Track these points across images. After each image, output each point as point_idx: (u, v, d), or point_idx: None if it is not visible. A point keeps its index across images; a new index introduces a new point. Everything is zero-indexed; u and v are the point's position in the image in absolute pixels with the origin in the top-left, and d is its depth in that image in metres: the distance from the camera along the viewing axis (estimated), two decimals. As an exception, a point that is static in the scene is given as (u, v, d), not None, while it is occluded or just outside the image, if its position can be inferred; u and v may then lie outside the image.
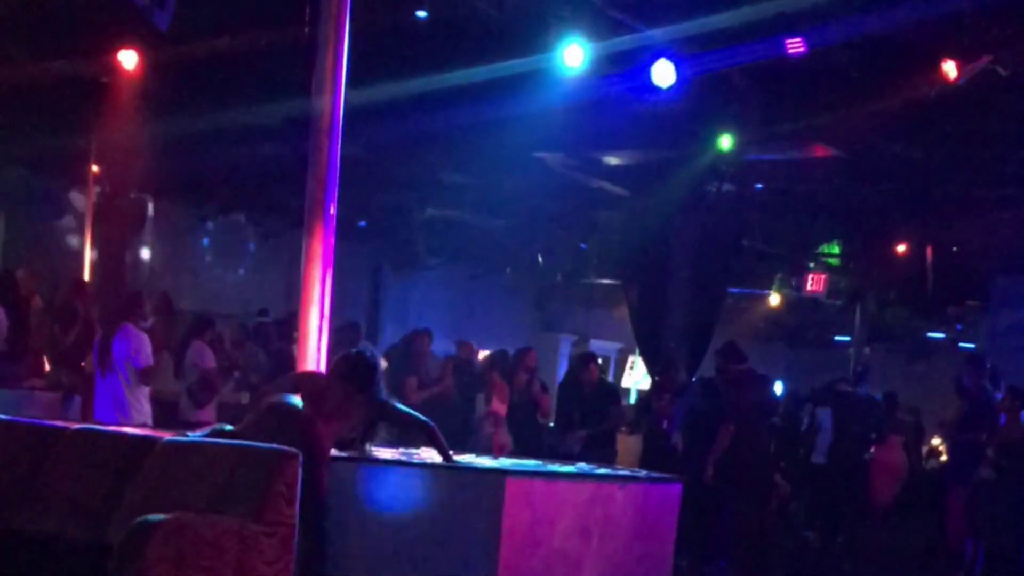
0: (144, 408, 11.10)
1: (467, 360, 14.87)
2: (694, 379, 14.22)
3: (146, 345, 11.13)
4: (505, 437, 13.25)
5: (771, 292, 23.84)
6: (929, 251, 19.52)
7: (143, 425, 9.88)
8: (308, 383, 7.46)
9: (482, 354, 18.50)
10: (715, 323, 16.10)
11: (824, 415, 15.34)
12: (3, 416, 7.13)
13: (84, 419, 10.82)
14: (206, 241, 21.25)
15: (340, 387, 7.33)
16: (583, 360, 13.96)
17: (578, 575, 8.13)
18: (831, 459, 14.79)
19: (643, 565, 8.77)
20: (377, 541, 7.78)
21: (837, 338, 27.36)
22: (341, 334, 11.11)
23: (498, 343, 16.41)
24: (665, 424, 13.59)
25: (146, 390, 11.15)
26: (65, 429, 6.78)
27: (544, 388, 14.19)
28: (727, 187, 15.84)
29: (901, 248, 19.60)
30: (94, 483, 6.32)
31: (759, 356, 19.55)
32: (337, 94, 8.60)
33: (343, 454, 7.51)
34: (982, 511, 12.64)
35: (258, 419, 7.20)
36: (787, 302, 24.25)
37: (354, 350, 7.82)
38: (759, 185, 16.32)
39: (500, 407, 13.33)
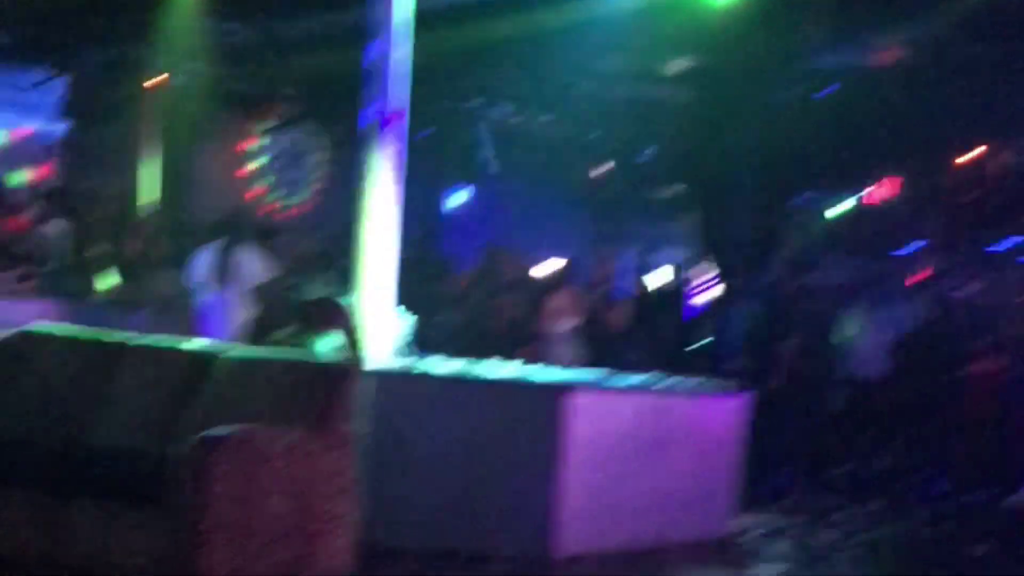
0: None
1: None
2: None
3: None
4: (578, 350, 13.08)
5: (836, 201, 23.55)
6: (997, 160, 19.19)
7: None
8: None
9: (544, 264, 18.39)
10: (780, 232, 15.92)
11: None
12: (71, 329, 7.15)
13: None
14: (270, 153, 21.19)
15: None
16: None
17: (641, 488, 8.09)
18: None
19: (709, 476, 8.71)
20: (437, 459, 7.72)
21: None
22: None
23: (559, 254, 16.30)
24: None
25: None
26: (130, 343, 6.80)
27: (614, 299, 14.08)
28: (793, 93, 15.62)
29: (968, 157, 19.28)
30: (159, 397, 6.36)
31: (821, 266, 19.34)
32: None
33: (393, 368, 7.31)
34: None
35: None
36: (851, 211, 23.94)
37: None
38: (826, 91, 16.05)
39: (574, 320, 13.15)
